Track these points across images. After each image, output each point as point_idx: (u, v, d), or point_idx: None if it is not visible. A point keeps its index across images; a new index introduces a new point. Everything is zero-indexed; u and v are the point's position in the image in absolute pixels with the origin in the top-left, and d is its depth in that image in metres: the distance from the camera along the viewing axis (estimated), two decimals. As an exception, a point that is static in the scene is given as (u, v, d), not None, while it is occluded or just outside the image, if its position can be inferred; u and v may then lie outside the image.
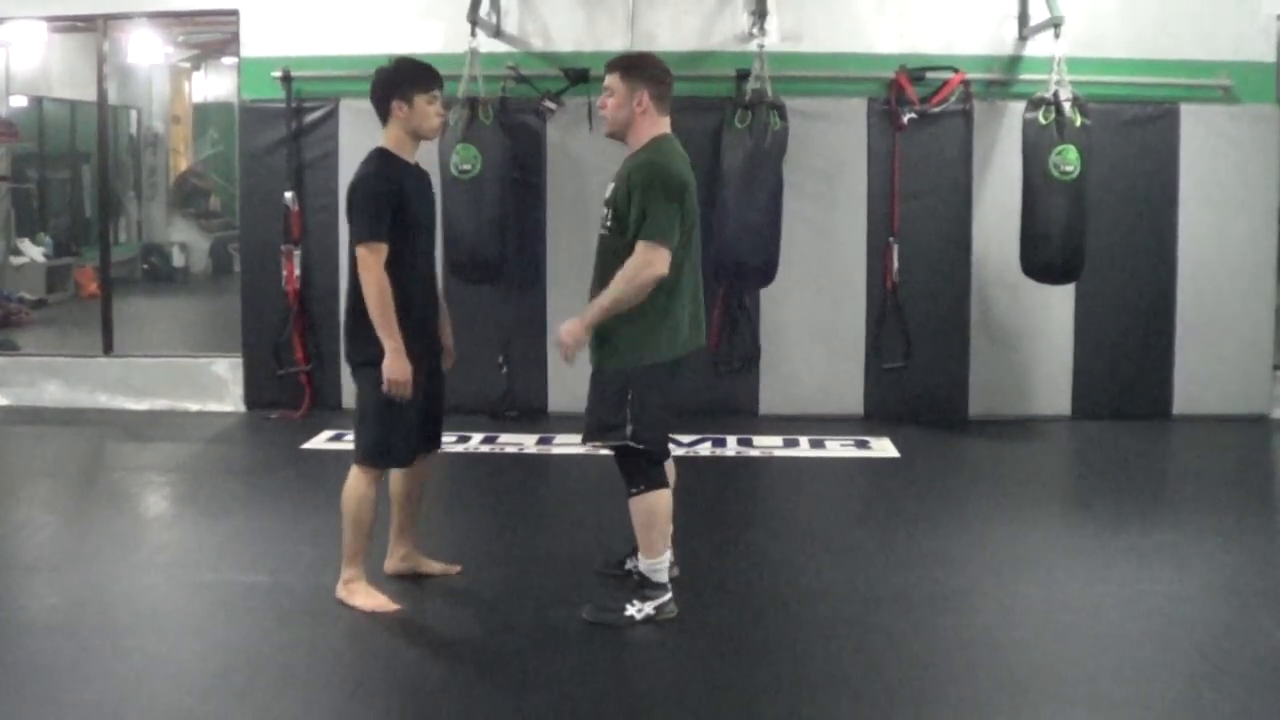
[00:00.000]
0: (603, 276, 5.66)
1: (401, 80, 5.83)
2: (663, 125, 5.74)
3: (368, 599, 5.83)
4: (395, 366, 5.64)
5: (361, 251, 5.66)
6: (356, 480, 5.86)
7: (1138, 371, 10.26)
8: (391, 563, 6.21)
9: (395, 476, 6.10)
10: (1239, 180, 10.08)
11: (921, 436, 9.67)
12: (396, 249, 5.69)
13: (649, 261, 5.45)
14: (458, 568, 6.37)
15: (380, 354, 5.67)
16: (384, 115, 5.86)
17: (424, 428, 6.03)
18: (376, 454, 5.86)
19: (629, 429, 5.59)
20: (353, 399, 9.84)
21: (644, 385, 5.62)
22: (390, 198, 5.68)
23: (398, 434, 5.84)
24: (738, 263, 9.44)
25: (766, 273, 9.49)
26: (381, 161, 5.80)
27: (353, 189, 5.76)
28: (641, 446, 5.62)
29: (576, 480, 8.59)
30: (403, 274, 5.71)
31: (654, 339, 5.61)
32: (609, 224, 5.66)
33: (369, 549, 5.97)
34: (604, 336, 5.64)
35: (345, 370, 9.96)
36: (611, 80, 5.75)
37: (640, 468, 5.66)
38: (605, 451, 5.79)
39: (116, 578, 6.45)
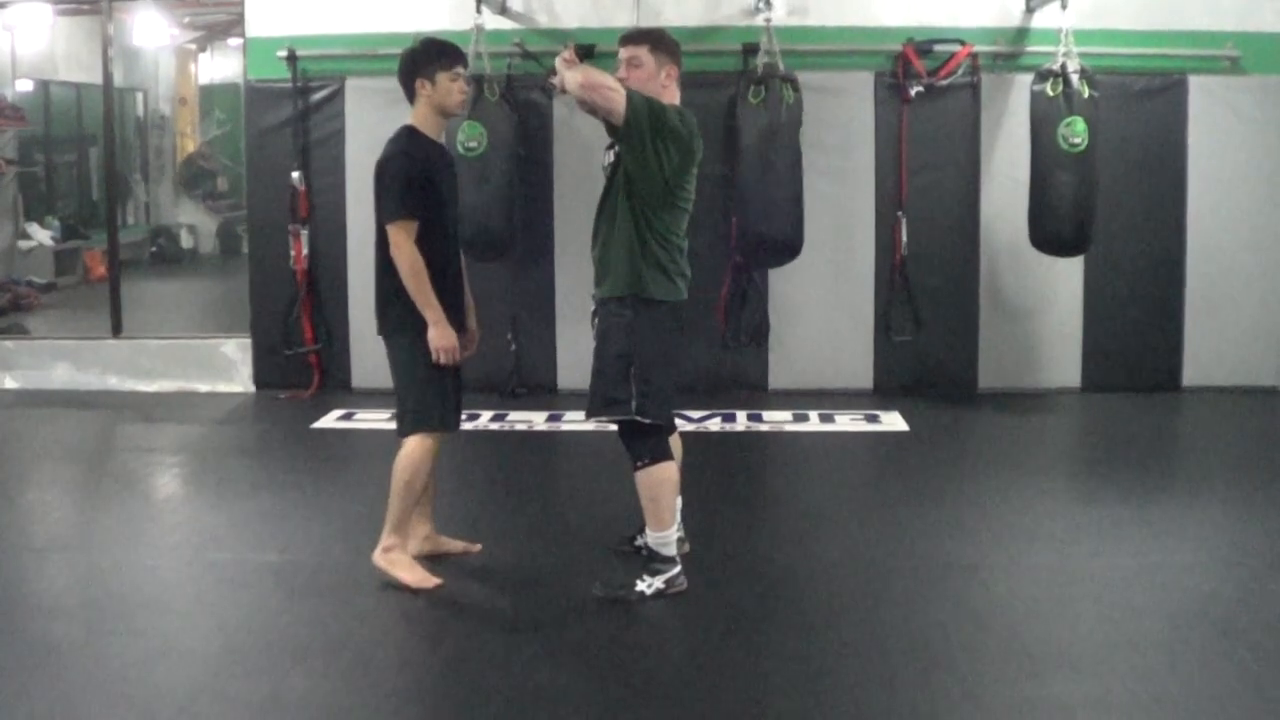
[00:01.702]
0: (600, 236, 5.79)
1: (425, 59, 5.88)
2: (675, 98, 5.81)
3: (410, 573, 5.85)
4: (440, 334, 5.73)
5: (392, 229, 5.70)
6: (413, 448, 5.87)
7: (1147, 343, 10.23)
8: (414, 544, 6.19)
9: None
10: (1248, 151, 10.04)
11: (931, 410, 9.66)
12: (426, 226, 5.74)
13: (619, 91, 5.52)
14: (478, 546, 6.38)
15: (413, 322, 5.74)
16: (410, 94, 5.91)
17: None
18: (427, 419, 5.89)
19: (634, 403, 5.61)
20: (362, 377, 10.12)
21: (645, 343, 5.66)
22: (419, 175, 5.74)
23: (440, 399, 5.89)
24: (764, 239, 9.44)
25: (793, 248, 9.46)
26: (410, 139, 5.84)
27: (381, 166, 5.79)
28: (648, 421, 5.64)
29: (586, 457, 8.60)
30: (432, 251, 5.75)
31: (651, 274, 5.65)
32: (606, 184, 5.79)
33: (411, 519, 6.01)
34: (609, 266, 5.72)
35: (355, 349, 10.23)
36: (639, 52, 5.77)
37: (645, 441, 5.68)
38: (611, 426, 5.80)
39: (127, 558, 6.48)
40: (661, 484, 5.67)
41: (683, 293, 5.80)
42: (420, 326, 5.74)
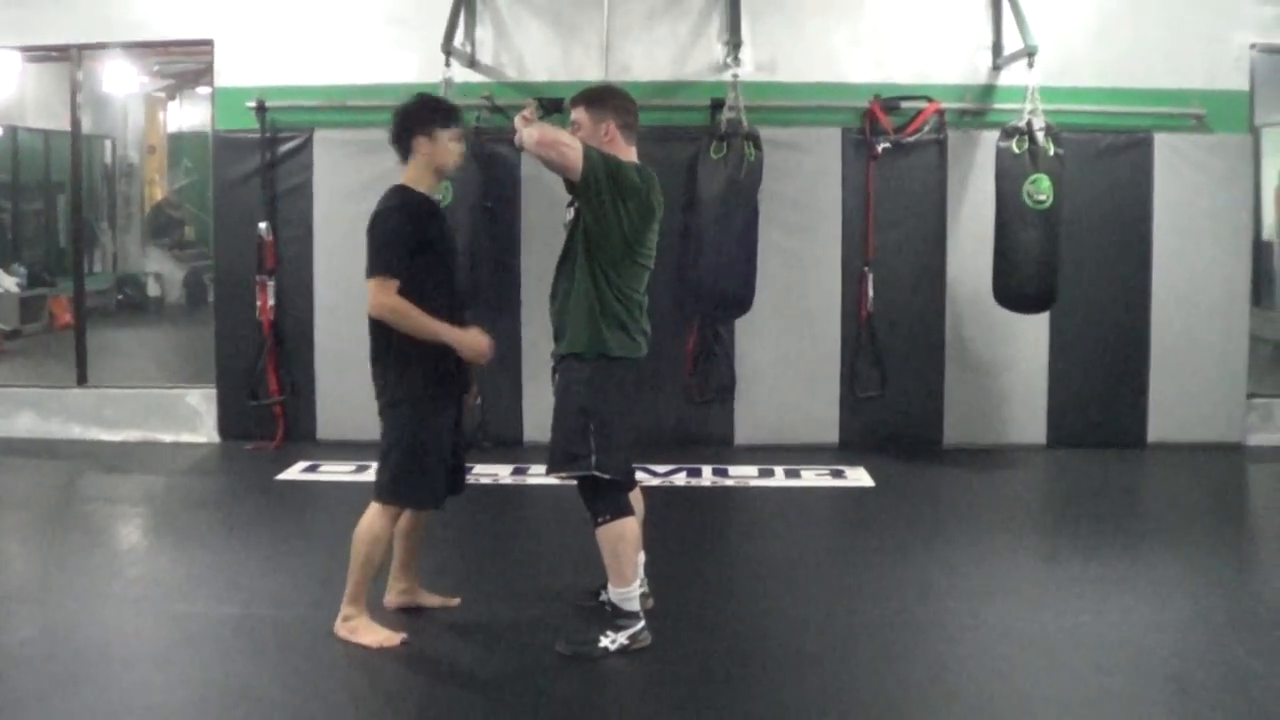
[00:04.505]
0: (559, 293, 5.79)
1: (428, 114, 5.81)
2: (630, 154, 5.78)
3: (372, 635, 5.77)
4: (463, 342, 5.69)
5: (372, 285, 5.60)
6: (374, 518, 5.79)
7: (1112, 400, 10.28)
8: (391, 597, 6.18)
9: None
10: (1212, 209, 10.13)
11: (896, 466, 9.67)
12: (422, 286, 5.63)
13: (575, 149, 5.52)
14: (456, 600, 6.34)
15: (410, 392, 5.68)
16: (405, 150, 5.80)
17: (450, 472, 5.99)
18: (403, 494, 5.81)
19: (594, 459, 5.61)
20: (327, 429, 10.08)
21: (604, 400, 5.67)
22: (409, 234, 5.64)
23: (429, 475, 5.80)
24: (715, 293, 9.43)
25: (743, 304, 9.48)
26: (402, 198, 5.74)
27: (372, 224, 5.70)
28: (607, 476, 5.63)
29: (551, 510, 8.55)
30: (437, 308, 5.66)
31: (610, 332, 5.66)
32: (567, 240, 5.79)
33: (372, 588, 5.95)
34: (569, 323, 5.71)
35: (320, 400, 10.20)
36: (577, 114, 5.80)
37: (605, 497, 5.68)
38: (573, 481, 5.79)
39: (89, 610, 6.40)
40: (622, 539, 5.66)
41: (642, 349, 5.80)
42: (419, 396, 5.68)
